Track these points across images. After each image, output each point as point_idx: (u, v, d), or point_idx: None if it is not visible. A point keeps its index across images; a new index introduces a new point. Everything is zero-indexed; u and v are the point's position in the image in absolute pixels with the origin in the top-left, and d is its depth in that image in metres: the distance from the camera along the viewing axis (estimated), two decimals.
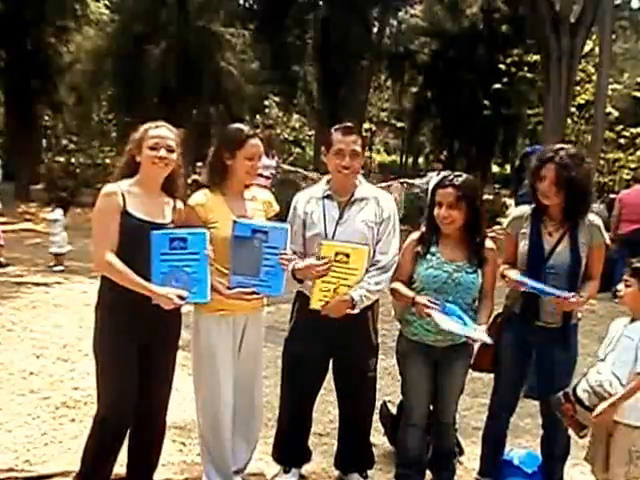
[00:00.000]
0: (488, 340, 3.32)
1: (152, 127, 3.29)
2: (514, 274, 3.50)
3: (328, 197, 3.60)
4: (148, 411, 3.33)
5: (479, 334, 3.33)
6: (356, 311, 3.45)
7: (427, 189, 12.50)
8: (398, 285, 3.56)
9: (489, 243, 3.60)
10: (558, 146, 3.50)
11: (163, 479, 3.73)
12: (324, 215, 3.62)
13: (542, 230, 3.59)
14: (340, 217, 3.59)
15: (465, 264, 3.52)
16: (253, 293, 3.35)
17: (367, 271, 3.48)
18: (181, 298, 3.11)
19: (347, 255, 3.48)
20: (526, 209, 3.65)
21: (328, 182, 3.67)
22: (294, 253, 3.49)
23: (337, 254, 3.48)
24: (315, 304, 3.44)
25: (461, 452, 4.23)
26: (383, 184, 13.62)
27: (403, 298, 3.51)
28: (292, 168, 15.08)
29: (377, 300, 3.65)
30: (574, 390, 3.36)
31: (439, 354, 3.60)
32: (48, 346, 6.11)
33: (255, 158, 3.45)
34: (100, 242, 3.11)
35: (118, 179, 3.21)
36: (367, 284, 3.48)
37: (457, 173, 3.59)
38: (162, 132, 3.28)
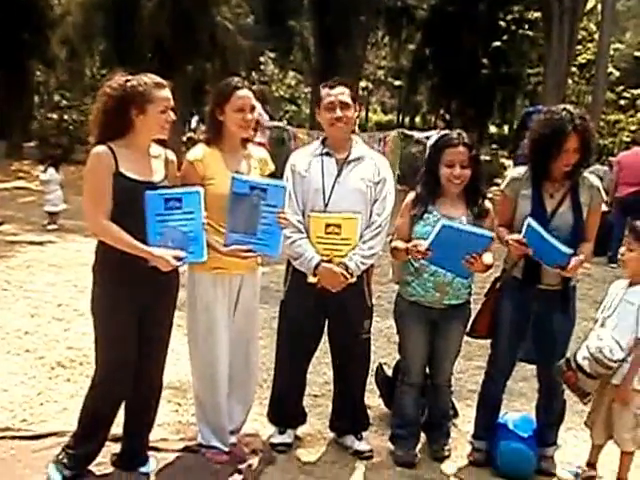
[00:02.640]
0: (489, 233, 3.37)
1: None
2: (516, 236, 3.46)
3: (326, 154, 3.58)
4: (145, 372, 3.31)
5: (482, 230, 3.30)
6: (352, 280, 3.45)
7: (425, 145, 11.99)
8: (396, 242, 3.56)
9: (487, 204, 3.61)
10: (564, 108, 3.48)
11: (159, 439, 3.74)
12: (322, 171, 3.58)
13: (543, 192, 3.54)
14: (338, 174, 3.57)
15: (463, 219, 3.48)
16: (249, 252, 3.32)
17: (361, 236, 3.50)
18: (178, 259, 3.07)
19: (338, 226, 3.47)
20: (524, 170, 3.59)
21: (324, 142, 3.66)
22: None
23: (328, 226, 3.47)
24: (311, 278, 3.43)
25: (456, 415, 4.26)
26: (381, 134, 13.21)
27: (402, 253, 3.50)
28: (280, 124, 14.77)
29: (372, 263, 3.71)
30: (574, 357, 3.38)
31: (437, 315, 3.61)
32: (43, 305, 6.12)
33: (245, 110, 3.38)
34: (93, 205, 3.04)
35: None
36: (361, 250, 3.47)
37: (459, 131, 3.63)
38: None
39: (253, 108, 3.42)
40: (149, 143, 3.20)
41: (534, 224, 3.32)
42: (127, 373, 3.15)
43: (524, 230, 3.33)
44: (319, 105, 3.58)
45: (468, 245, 3.31)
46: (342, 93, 3.52)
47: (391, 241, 3.59)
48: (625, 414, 3.46)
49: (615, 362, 3.33)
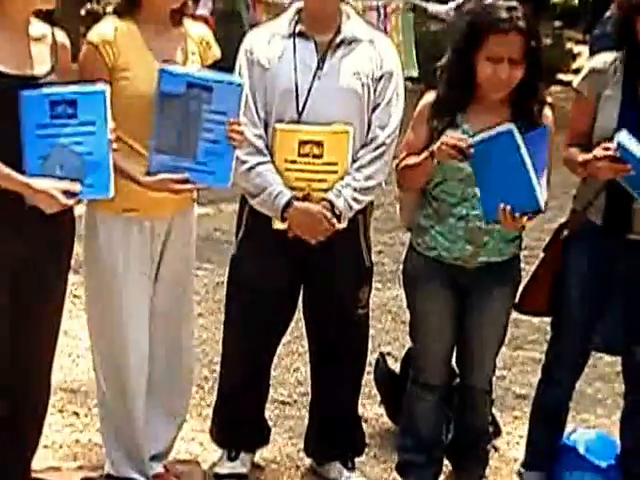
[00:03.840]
0: (542, 203, 3.01)
1: None
2: (607, 146, 3.03)
3: (300, 35, 3.33)
4: (22, 362, 3.06)
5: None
6: (342, 225, 3.24)
7: (448, 23, 10.56)
8: (408, 160, 3.27)
9: (547, 112, 3.28)
10: None
11: (46, 467, 3.44)
12: (295, 61, 3.26)
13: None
14: (320, 66, 3.26)
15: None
16: (185, 182, 3.07)
17: (354, 160, 3.27)
18: (71, 195, 2.82)
19: (319, 144, 3.19)
20: (611, 58, 3.26)
21: (298, 13, 3.37)
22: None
23: (303, 144, 3.20)
24: (278, 223, 3.27)
25: (497, 433, 3.91)
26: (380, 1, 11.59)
27: (418, 172, 3.18)
28: None
29: (371, 202, 3.48)
30: None
31: (469, 279, 3.31)
32: None
33: None
34: None
35: None
36: (355, 181, 3.26)
37: (510, 3, 3.11)
38: None
39: None
40: (27, 17, 2.97)
41: (628, 141, 3.01)
42: None
43: (614, 145, 3.04)
44: None
45: (516, 182, 3.01)
46: None
47: (397, 166, 3.34)
48: None
49: None
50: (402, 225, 3.62)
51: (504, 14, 3.08)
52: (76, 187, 2.82)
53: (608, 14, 3.54)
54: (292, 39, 3.29)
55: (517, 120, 3.18)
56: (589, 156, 3.18)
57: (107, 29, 3.14)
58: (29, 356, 3.10)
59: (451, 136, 3.09)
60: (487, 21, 3.13)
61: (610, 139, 3.12)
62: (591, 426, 3.96)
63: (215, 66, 3.32)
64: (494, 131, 3.07)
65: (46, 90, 2.86)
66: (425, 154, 3.17)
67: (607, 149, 3.09)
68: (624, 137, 3.05)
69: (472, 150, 3.03)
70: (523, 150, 3.05)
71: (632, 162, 3.06)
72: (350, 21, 3.35)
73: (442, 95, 3.26)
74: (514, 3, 3.16)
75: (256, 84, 3.26)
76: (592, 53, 5.76)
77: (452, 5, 10.76)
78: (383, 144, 3.27)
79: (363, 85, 3.26)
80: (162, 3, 3.14)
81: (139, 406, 3.30)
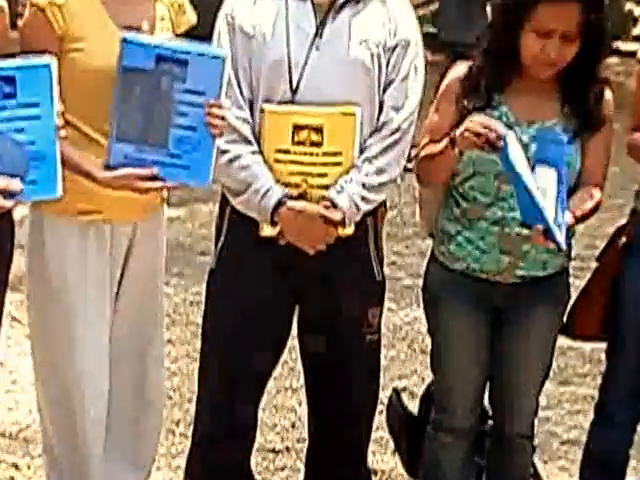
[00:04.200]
0: (563, 244, 2.63)
1: None
2: None
3: None
4: None
5: (559, 225, 2.62)
6: (349, 231, 2.86)
7: None
8: (427, 148, 2.94)
9: (607, 94, 2.93)
10: None
11: None
12: (287, 27, 2.85)
13: None
14: (318, 32, 2.86)
15: (556, 128, 2.87)
16: (154, 179, 2.66)
17: (361, 150, 2.89)
18: (10, 195, 2.41)
19: (318, 130, 2.78)
20: None
21: None
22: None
23: (298, 129, 2.79)
24: (267, 229, 2.88)
25: None
26: None
27: (440, 163, 2.82)
28: None
29: (383, 202, 3.08)
30: None
31: (505, 297, 2.95)
32: None
33: None
34: None
35: None
36: (363, 175, 2.86)
37: None
38: None
39: None
40: None
41: None
42: None
43: None
44: None
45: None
46: None
47: (416, 156, 2.96)
48: None
49: None
50: (422, 230, 3.45)
51: None
52: (16, 185, 2.48)
53: None
54: (283, 0, 3.00)
55: (567, 105, 2.89)
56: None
57: None
58: None
59: (478, 121, 2.75)
60: None
61: None
62: None
63: (191, 35, 3.05)
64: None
65: None
66: (445, 141, 2.87)
67: None
68: None
69: (502, 142, 2.73)
70: (520, 170, 2.70)
71: None
72: None
73: (478, 68, 2.92)
74: None
75: (239, 56, 2.94)
76: None
77: None
78: (398, 129, 2.94)
79: (373, 56, 2.93)
80: None
81: (95, 455, 2.96)
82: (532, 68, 2.90)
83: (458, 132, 2.83)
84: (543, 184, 2.76)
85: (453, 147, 2.85)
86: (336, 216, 2.90)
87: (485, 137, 2.74)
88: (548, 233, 2.75)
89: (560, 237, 2.73)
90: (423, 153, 3.04)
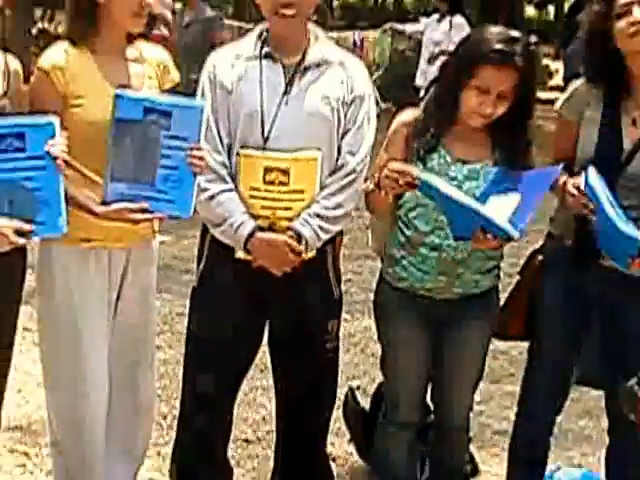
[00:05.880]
0: (515, 233, 2.82)
1: None
2: (577, 180, 2.94)
3: (267, 57, 3.21)
4: None
5: (503, 220, 2.83)
6: (311, 254, 3.17)
7: (421, 41, 10.94)
8: (373, 184, 3.19)
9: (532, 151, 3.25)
10: None
11: None
12: (261, 84, 3.13)
13: (622, 115, 3.08)
14: (287, 90, 3.15)
15: (485, 165, 3.13)
16: (144, 212, 2.95)
17: (322, 188, 3.17)
18: (21, 234, 2.69)
19: (285, 172, 3.08)
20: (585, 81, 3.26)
21: (261, 36, 3.27)
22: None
23: (269, 171, 3.08)
24: (241, 253, 3.17)
25: (475, 472, 3.80)
26: (356, 33, 11.90)
27: (380, 196, 3.05)
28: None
29: (340, 231, 3.35)
30: None
31: (444, 311, 3.22)
32: None
33: None
34: None
35: None
36: (323, 209, 3.15)
37: (513, 34, 3.01)
38: None
39: None
40: None
41: (595, 181, 2.83)
42: None
43: (583, 181, 2.91)
44: None
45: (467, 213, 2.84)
46: None
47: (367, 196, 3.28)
48: None
49: None
50: (373, 252, 3.53)
51: (501, 46, 2.94)
52: (27, 227, 2.71)
53: (581, 32, 3.51)
54: (258, 61, 3.17)
55: (498, 147, 3.07)
56: (561, 183, 3.06)
57: (58, 54, 3.05)
58: None
59: (393, 168, 2.93)
60: (481, 51, 3.00)
61: (590, 163, 2.99)
62: (576, 464, 3.86)
63: (175, 91, 3.23)
64: (436, 183, 2.87)
65: None
66: (372, 185, 3.07)
67: (577, 187, 2.93)
68: (592, 174, 2.86)
69: (417, 180, 2.89)
70: (441, 186, 2.87)
71: (595, 205, 2.89)
72: (319, 42, 3.25)
73: (429, 114, 3.13)
74: (517, 34, 3.05)
75: (219, 107, 3.15)
76: (567, 68, 5.68)
77: (419, 27, 10.87)
78: (353, 171, 3.16)
79: (333, 110, 3.15)
80: (121, 29, 3.03)
81: (97, 448, 3.15)
82: (468, 118, 3.08)
83: (381, 176, 2.96)
84: (498, 205, 2.88)
85: (379, 190, 3.01)
86: (299, 247, 3.11)
87: (403, 180, 2.90)
88: (493, 231, 2.83)
89: (508, 226, 2.79)
90: (371, 188, 3.15)
